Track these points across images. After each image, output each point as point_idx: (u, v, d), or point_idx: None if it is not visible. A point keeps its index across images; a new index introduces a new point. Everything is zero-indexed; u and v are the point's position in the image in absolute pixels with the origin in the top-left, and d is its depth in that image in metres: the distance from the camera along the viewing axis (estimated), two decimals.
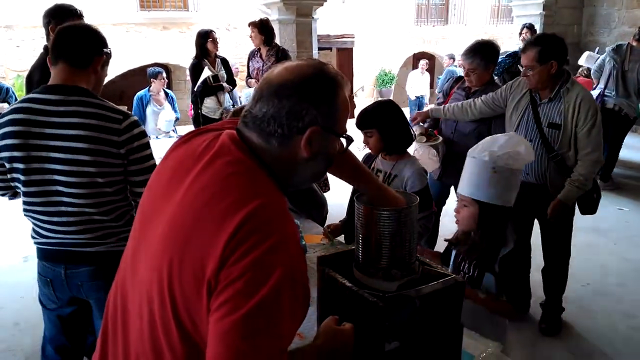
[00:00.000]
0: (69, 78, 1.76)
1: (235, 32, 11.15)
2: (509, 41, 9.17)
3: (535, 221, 3.03)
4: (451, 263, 2.10)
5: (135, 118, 1.82)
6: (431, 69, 10.95)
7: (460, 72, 9.48)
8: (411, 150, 2.60)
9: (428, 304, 1.27)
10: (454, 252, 2.11)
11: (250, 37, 5.07)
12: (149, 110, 5.78)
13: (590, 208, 2.98)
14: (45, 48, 2.86)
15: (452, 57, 9.73)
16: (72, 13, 2.84)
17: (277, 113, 1.02)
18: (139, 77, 10.17)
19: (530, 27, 6.59)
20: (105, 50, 1.86)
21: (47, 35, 2.85)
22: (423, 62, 10.38)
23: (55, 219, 1.77)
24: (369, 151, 2.57)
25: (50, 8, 2.87)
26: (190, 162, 1.06)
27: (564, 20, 7.84)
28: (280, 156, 1.05)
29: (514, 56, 5.96)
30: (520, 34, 6.44)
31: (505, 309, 1.90)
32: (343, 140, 1.13)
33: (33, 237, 1.87)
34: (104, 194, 1.76)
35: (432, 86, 10.27)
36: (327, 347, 1.14)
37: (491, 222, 1.90)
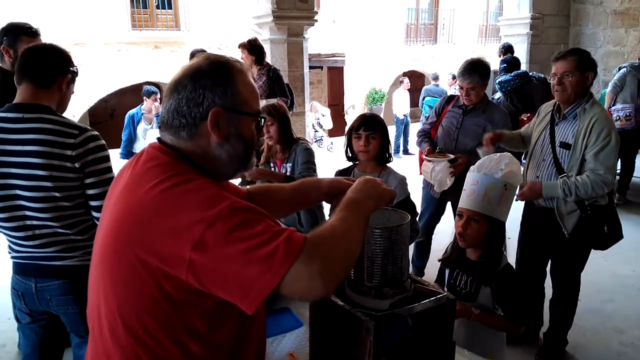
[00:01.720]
0: (31, 97, 1.80)
1: (227, 51, 11.23)
2: (497, 59, 9.32)
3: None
4: (446, 281, 2.11)
5: (95, 133, 1.83)
6: (421, 88, 11.05)
7: (448, 90, 9.63)
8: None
9: (420, 322, 1.27)
10: (447, 271, 2.13)
11: (242, 58, 5.11)
12: (139, 128, 5.77)
13: (600, 243, 2.73)
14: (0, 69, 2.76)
15: (435, 77, 9.89)
16: (26, 32, 2.75)
17: (178, 105, 1.09)
18: (131, 95, 10.20)
19: (507, 48, 6.70)
20: (69, 69, 1.89)
21: (1, 55, 2.75)
22: (406, 80, 10.45)
23: (21, 233, 1.81)
24: (346, 166, 2.69)
25: (3, 27, 2.76)
26: (122, 174, 1.17)
27: (550, 40, 7.99)
28: (194, 147, 1.11)
29: (523, 76, 6.05)
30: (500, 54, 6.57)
31: (501, 323, 1.93)
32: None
33: (8, 252, 1.91)
34: (64, 208, 1.78)
35: (413, 104, 10.35)
36: (360, 185, 1.23)
37: (495, 238, 1.96)
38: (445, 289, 2.09)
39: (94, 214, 1.84)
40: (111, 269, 1.05)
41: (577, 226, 2.66)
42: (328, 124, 11.15)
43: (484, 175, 1.93)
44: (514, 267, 2.91)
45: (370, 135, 2.48)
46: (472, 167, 2.03)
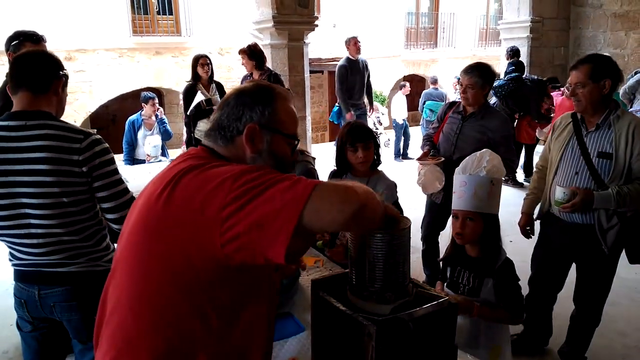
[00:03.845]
0: (30, 104, 1.80)
1: (228, 56, 11.27)
2: (498, 63, 9.33)
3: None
4: (448, 280, 2.17)
5: (98, 137, 1.84)
6: (422, 92, 11.06)
7: (450, 93, 9.63)
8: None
9: (422, 327, 1.27)
10: (449, 270, 2.18)
11: (243, 64, 5.13)
12: (140, 134, 5.78)
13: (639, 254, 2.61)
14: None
15: (434, 81, 9.92)
16: (30, 38, 2.84)
17: (220, 118, 1.23)
18: (132, 101, 10.21)
19: (515, 52, 6.72)
20: (61, 72, 1.90)
21: (9, 61, 2.84)
22: (406, 85, 10.45)
23: (25, 240, 1.80)
24: (334, 168, 2.69)
25: (10, 35, 2.88)
26: (161, 172, 1.22)
27: (550, 43, 8.00)
28: (230, 155, 1.21)
29: (517, 80, 6.06)
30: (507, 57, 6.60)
31: (501, 315, 2.01)
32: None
33: (10, 260, 1.90)
34: (70, 214, 1.79)
35: (412, 108, 10.35)
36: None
37: (492, 233, 2.05)
38: (446, 285, 2.16)
39: (108, 215, 1.86)
40: (142, 246, 1.11)
41: (616, 241, 2.54)
42: (386, 121, 11.36)
43: (470, 176, 2.03)
44: (528, 283, 2.89)
45: (365, 145, 2.51)
46: (457, 169, 2.12)
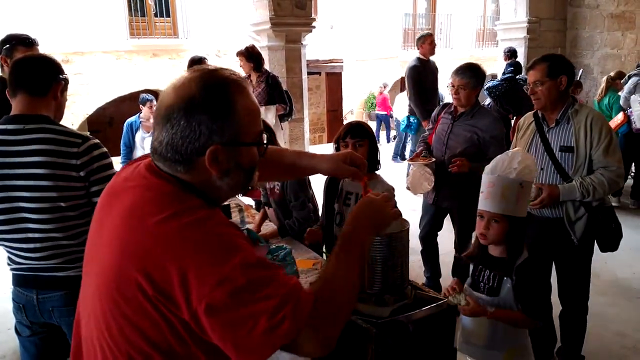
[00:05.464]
0: (29, 107, 1.80)
1: (226, 58, 11.27)
2: (495, 64, 9.35)
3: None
4: (470, 277, 2.15)
5: (96, 141, 1.84)
6: None
7: (446, 95, 9.64)
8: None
9: (421, 329, 1.27)
10: (471, 267, 2.15)
11: (240, 66, 5.13)
12: (137, 136, 5.77)
13: (610, 243, 2.69)
14: (0, 79, 2.87)
15: None
16: (23, 42, 2.86)
17: (172, 140, 1.00)
18: (129, 103, 10.20)
19: (513, 52, 6.73)
20: (61, 76, 1.90)
21: (1, 66, 2.89)
22: None
23: (23, 245, 1.80)
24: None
25: (2, 38, 2.89)
26: (117, 190, 1.10)
27: (547, 43, 8.01)
28: (194, 179, 1.03)
29: (511, 80, 6.06)
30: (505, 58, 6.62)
31: (517, 318, 1.96)
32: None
33: (8, 264, 1.90)
34: (68, 218, 1.79)
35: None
36: (360, 213, 1.18)
37: (517, 235, 2.00)
38: (468, 283, 2.12)
39: None
40: (116, 303, 1.00)
41: (585, 231, 2.61)
42: None
43: (499, 177, 1.97)
44: None
45: (357, 142, 2.46)
46: (486, 169, 2.06)
